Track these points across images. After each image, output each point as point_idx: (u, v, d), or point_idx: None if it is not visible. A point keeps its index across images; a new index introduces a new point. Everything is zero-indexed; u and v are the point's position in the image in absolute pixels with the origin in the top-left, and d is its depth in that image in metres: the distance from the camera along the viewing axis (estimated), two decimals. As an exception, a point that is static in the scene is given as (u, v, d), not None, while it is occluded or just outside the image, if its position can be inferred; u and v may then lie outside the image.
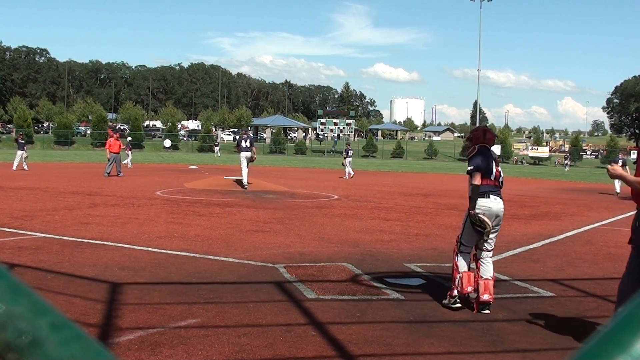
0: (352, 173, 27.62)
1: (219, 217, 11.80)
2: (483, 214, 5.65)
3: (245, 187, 18.60)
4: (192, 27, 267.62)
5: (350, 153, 28.38)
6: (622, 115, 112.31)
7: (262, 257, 7.84)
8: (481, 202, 5.67)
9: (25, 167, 25.40)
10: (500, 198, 5.83)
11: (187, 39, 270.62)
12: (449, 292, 5.79)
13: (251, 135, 19.43)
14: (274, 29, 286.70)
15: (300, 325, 5.12)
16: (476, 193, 5.68)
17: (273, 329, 4.95)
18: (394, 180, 27.32)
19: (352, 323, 5.20)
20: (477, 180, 5.69)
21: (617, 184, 23.56)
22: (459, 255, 5.76)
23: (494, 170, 5.82)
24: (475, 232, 5.73)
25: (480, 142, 6.01)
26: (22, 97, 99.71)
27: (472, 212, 5.67)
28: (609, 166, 4.79)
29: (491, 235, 5.75)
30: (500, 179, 5.89)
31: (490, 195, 5.71)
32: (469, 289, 5.59)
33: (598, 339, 0.48)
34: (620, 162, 24.86)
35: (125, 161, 29.98)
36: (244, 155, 18.59)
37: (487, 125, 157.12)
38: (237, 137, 22.34)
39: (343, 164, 28.23)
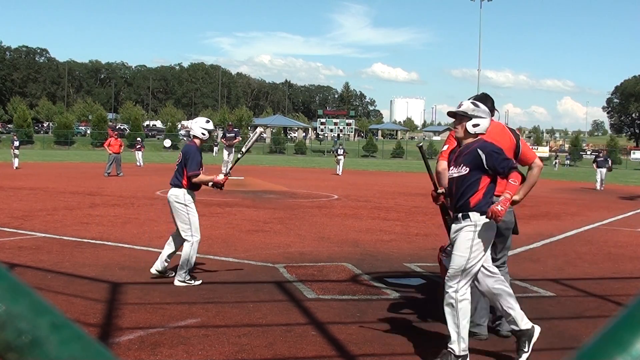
0: (339, 173, 29.24)
1: (219, 217, 11.79)
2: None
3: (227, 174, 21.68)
4: (191, 27, 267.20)
5: (339, 152, 30.38)
6: (622, 115, 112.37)
7: (262, 257, 7.84)
8: None
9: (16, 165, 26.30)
10: None
11: (186, 39, 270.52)
12: None
13: (235, 130, 22.86)
14: (273, 29, 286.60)
15: (300, 325, 5.12)
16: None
17: (273, 328, 4.95)
18: (394, 180, 27.31)
19: (352, 323, 5.20)
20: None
21: (598, 180, 25.28)
22: (443, 261, 5.72)
23: None
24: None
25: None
26: (22, 97, 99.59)
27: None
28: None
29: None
30: None
31: None
32: None
33: (598, 338, 0.48)
34: (602, 159, 26.15)
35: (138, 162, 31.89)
36: (228, 149, 21.72)
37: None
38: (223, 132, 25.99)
39: (336, 161, 30.38)
